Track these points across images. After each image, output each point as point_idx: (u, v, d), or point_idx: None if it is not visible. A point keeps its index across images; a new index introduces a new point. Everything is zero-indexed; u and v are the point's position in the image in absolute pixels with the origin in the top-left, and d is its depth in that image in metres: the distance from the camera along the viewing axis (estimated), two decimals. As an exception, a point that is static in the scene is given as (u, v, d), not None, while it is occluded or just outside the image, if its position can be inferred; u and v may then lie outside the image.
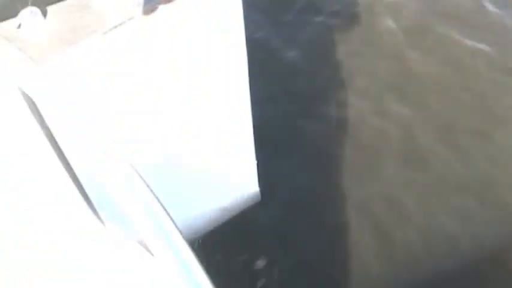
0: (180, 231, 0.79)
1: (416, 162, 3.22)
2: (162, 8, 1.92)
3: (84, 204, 1.37)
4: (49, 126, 1.17)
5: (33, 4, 1.93)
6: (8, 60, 1.00)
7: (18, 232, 1.51)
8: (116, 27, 1.85)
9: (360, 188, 3.09)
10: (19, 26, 1.88)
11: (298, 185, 3.12)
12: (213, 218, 2.72)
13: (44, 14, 1.91)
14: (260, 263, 2.89)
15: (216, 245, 2.78)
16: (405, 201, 3.05)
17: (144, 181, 0.86)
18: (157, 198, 0.84)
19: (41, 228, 1.51)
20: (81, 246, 1.47)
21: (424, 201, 3.05)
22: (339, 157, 3.21)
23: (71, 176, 1.30)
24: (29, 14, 1.90)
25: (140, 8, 1.88)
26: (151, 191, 0.85)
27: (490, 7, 4.08)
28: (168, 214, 0.82)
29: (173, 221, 0.81)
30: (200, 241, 2.67)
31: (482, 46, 3.76)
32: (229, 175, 2.74)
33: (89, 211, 1.38)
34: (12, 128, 1.71)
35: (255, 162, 2.77)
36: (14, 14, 1.91)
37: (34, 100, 1.01)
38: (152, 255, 0.80)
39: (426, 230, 2.94)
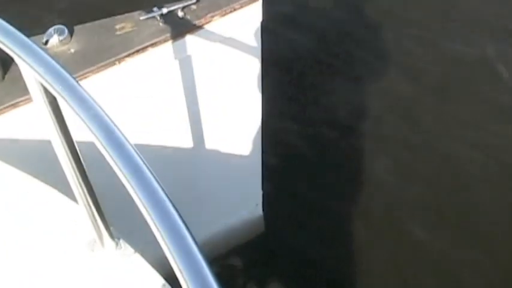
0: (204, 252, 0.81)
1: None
2: (188, 37, 1.99)
3: (95, 215, 1.37)
4: (67, 125, 1.19)
5: (60, 23, 2.01)
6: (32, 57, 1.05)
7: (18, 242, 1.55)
8: (138, 51, 1.92)
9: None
10: (46, 42, 1.96)
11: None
12: (216, 245, 2.76)
13: (71, 33, 1.98)
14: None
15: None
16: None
17: (163, 188, 0.88)
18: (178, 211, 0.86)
19: (44, 240, 1.54)
20: (85, 261, 1.51)
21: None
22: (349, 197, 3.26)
23: (83, 180, 1.30)
24: (55, 32, 1.98)
25: (167, 34, 1.95)
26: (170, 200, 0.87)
27: None
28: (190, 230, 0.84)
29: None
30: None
31: None
32: (234, 200, 2.78)
33: (101, 224, 1.40)
34: (29, 125, 1.75)
35: (261, 191, 2.83)
36: (42, 31, 1.99)
37: (55, 96, 1.04)
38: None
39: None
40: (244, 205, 2.88)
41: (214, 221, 2.77)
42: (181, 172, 2.42)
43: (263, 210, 2.93)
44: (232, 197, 2.76)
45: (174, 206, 0.84)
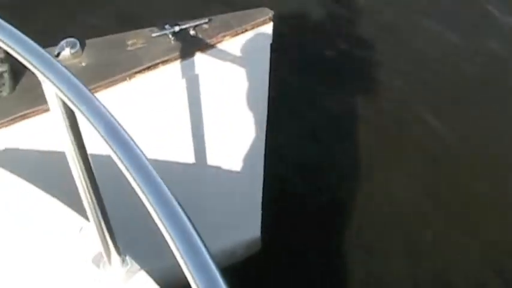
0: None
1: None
2: (199, 56, 2.00)
3: (104, 230, 1.36)
4: (83, 138, 1.19)
5: (73, 36, 2.02)
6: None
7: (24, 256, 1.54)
8: (149, 67, 1.93)
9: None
10: (57, 54, 1.96)
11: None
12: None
13: (83, 46, 1.99)
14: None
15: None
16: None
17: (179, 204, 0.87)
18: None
19: (51, 255, 1.53)
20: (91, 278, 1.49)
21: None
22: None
23: (95, 196, 1.28)
24: (67, 45, 1.98)
25: (178, 52, 1.96)
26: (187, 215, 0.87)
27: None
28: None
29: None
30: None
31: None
32: (232, 220, 2.77)
33: (109, 240, 1.38)
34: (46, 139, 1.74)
35: (260, 210, 2.82)
36: (53, 43, 1.99)
37: (73, 110, 1.05)
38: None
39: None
40: (243, 225, 2.87)
41: (212, 239, 2.75)
42: (182, 188, 2.41)
43: (261, 231, 2.92)
44: (231, 217, 2.75)
45: (191, 222, 0.84)
